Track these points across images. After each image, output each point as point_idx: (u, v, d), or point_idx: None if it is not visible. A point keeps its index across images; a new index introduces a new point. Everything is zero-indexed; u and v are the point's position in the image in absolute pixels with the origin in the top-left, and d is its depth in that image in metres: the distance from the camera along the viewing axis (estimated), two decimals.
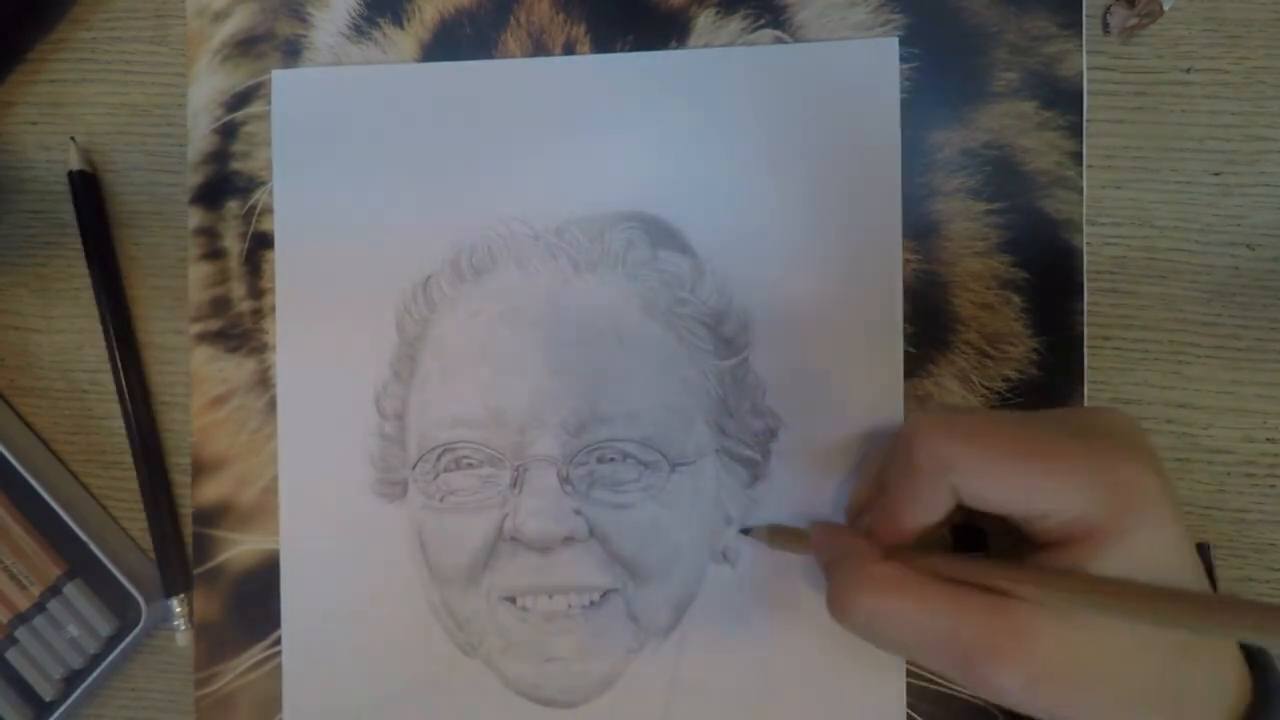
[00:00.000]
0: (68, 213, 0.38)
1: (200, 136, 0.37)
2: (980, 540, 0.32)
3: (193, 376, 0.37)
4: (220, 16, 0.37)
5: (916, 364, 0.34)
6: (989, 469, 0.26)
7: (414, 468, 0.35)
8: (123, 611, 0.37)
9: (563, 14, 0.35)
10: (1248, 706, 0.26)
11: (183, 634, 0.37)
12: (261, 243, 0.37)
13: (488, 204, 0.35)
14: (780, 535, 0.33)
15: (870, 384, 0.34)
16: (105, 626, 0.37)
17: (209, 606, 0.37)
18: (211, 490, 0.37)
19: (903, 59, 0.34)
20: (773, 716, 0.34)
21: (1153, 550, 0.25)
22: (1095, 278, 0.34)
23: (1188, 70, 0.34)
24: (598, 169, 0.35)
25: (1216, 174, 0.34)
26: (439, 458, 0.35)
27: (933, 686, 0.34)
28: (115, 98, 0.38)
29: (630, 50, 0.35)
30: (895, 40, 0.34)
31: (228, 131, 0.37)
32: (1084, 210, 0.33)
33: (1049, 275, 0.33)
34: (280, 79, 0.36)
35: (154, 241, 0.38)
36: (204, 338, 0.37)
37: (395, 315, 0.36)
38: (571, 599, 0.35)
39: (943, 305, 0.34)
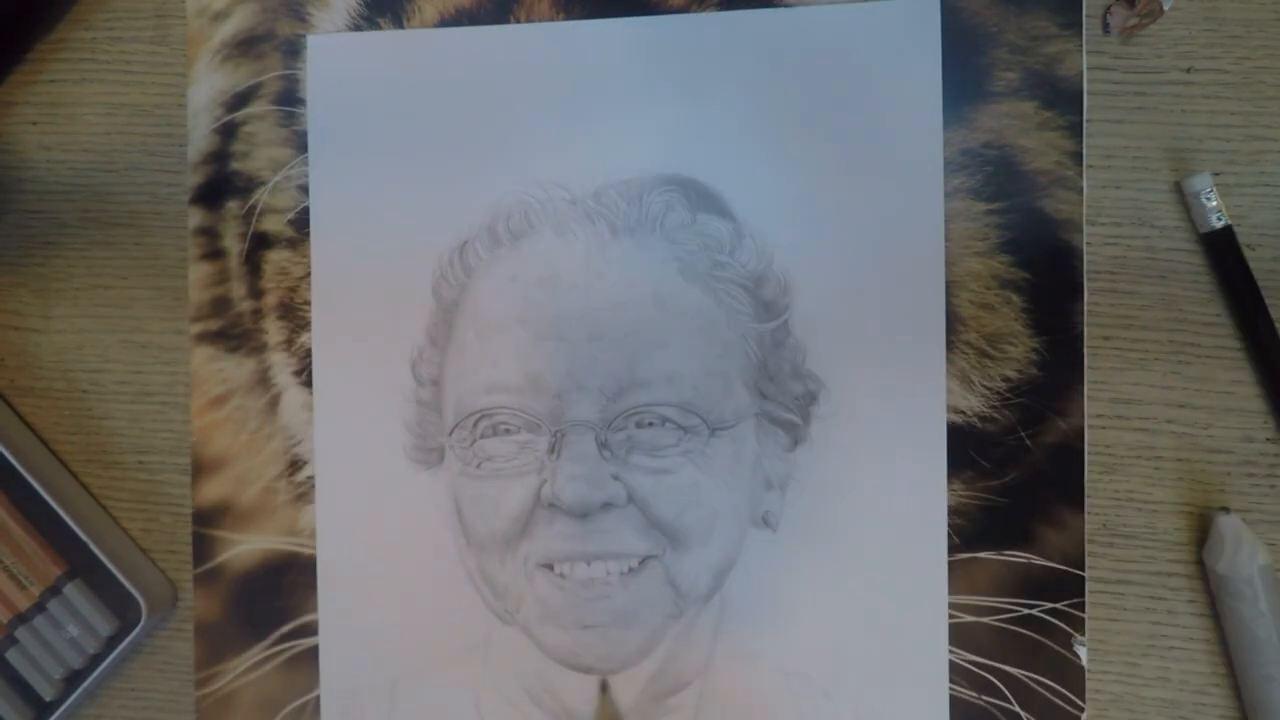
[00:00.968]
0: (68, 213, 0.38)
1: (200, 136, 0.37)
2: None
3: (193, 376, 0.37)
4: (220, 16, 0.37)
5: None
6: None
7: (450, 434, 0.35)
8: (123, 611, 0.37)
9: (563, 13, 0.35)
10: None
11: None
12: (261, 243, 0.37)
13: (525, 169, 0.35)
14: None
15: (911, 346, 0.34)
16: (105, 626, 0.37)
17: (209, 606, 0.37)
18: (211, 490, 0.37)
19: None
20: (813, 683, 0.34)
21: None
22: (1095, 278, 0.34)
23: (1188, 70, 0.34)
24: (635, 133, 0.35)
25: (1216, 174, 0.34)
26: (476, 424, 0.35)
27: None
28: (115, 98, 0.38)
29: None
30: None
31: (228, 131, 0.37)
32: (1084, 210, 0.33)
33: (1049, 275, 0.33)
34: (315, 44, 0.36)
35: (154, 241, 0.38)
36: (204, 338, 0.37)
37: (431, 281, 0.36)
38: (610, 566, 0.34)
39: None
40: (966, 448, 0.34)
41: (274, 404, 0.37)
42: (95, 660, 0.37)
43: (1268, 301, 0.33)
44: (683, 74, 0.35)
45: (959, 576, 0.34)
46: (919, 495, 0.33)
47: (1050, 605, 0.33)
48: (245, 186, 0.37)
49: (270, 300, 0.37)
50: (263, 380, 0.37)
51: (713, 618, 0.34)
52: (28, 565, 0.37)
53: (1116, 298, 0.34)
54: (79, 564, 0.37)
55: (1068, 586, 0.33)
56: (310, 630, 0.36)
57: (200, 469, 0.37)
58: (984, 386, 0.34)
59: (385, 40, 0.36)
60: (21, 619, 0.37)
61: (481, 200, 0.35)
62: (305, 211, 0.36)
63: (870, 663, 0.34)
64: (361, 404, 0.36)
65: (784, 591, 0.34)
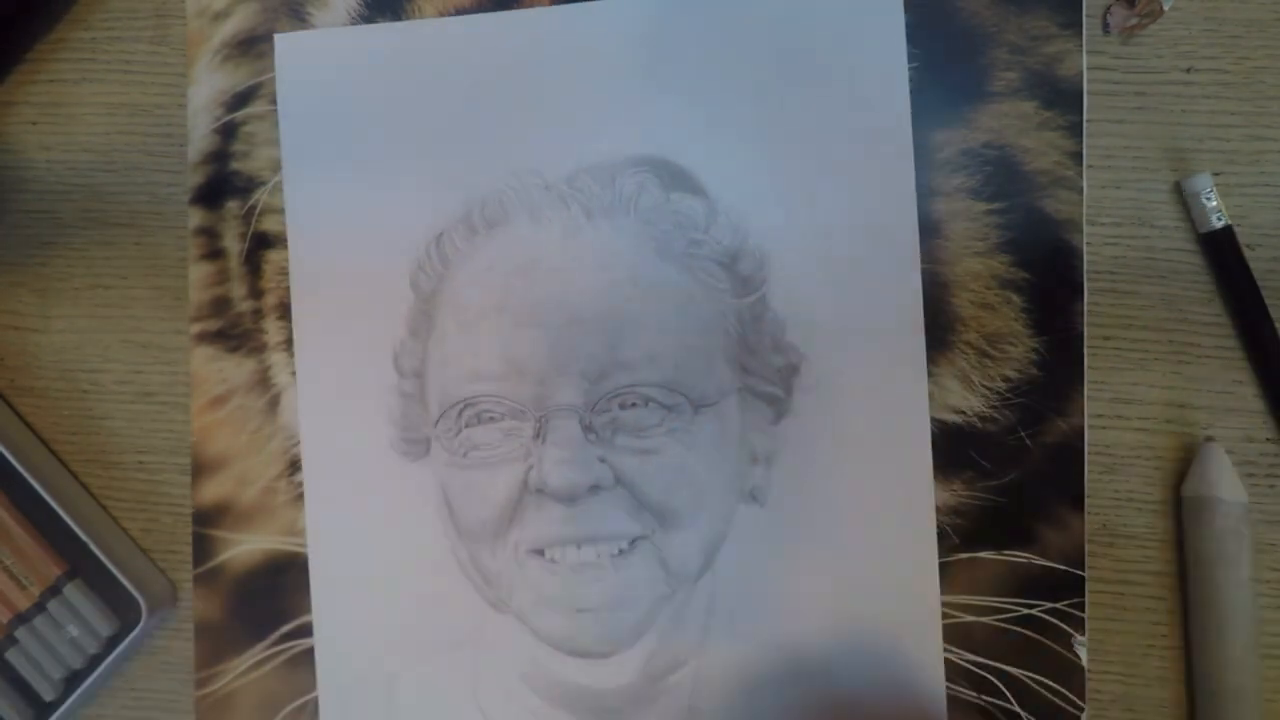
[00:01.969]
0: (68, 213, 0.38)
1: (200, 136, 0.37)
2: None
3: (193, 376, 0.37)
4: (220, 16, 0.37)
5: None
6: None
7: (436, 425, 0.35)
8: (123, 611, 0.37)
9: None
10: None
11: None
12: (261, 243, 0.37)
13: (497, 157, 0.35)
14: None
15: (890, 312, 0.34)
16: (105, 627, 0.37)
17: (209, 606, 0.37)
18: (211, 490, 0.37)
19: None
20: (807, 656, 0.34)
21: None
22: (1095, 278, 0.34)
23: (1188, 70, 0.34)
24: (606, 116, 0.35)
25: (1217, 174, 0.34)
26: (460, 413, 0.35)
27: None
28: (115, 98, 0.38)
29: None
30: None
31: (228, 131, 0.37)
32: (1084, 210, 0.33)
33: (1049, 275, 0.33)
34: (283, 42, 0.36)
35: (154, 241, 0.38)
36: (204, 338, 0.37)
37: (409, 273, 0.36)
38: (600, 548, 0.34)
39: (943, 305, 0.34)
40: (966, 448, 0.34)
41: (274, 404, 0.37)
42: (95, 660, 0.37)
43: (1268, 301, 0.33)
44: (650, 55, 0.35)
45: (959, 576, 0.34)
46: (905, 462, 0.33)
47: (1050, 605, 0.33)
48: (245, 186, 0.37)
49: (270, 300, 0.37)
50: (263, 380, 0.37)
51: (705, 596, 0.34)
52: (28, 565, 0.37)
53: (1116, 298, 0.34)
54: (79, 564, 0.37)
55: (1068, 586, 0.33)
56: (310, 630, 0.36)
57: (200, 469, 0.37)
58: (984, 386, 0.34)
59: (353, 35, 0.36)
60: (21, 619, 0.37)
61: (456, 190, 0.35)
62: None
63: (863, 633, 0.34)
64: (346, 399, 0.36)
65: (775, 566, 0.34)
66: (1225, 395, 0.34)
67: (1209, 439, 0.33)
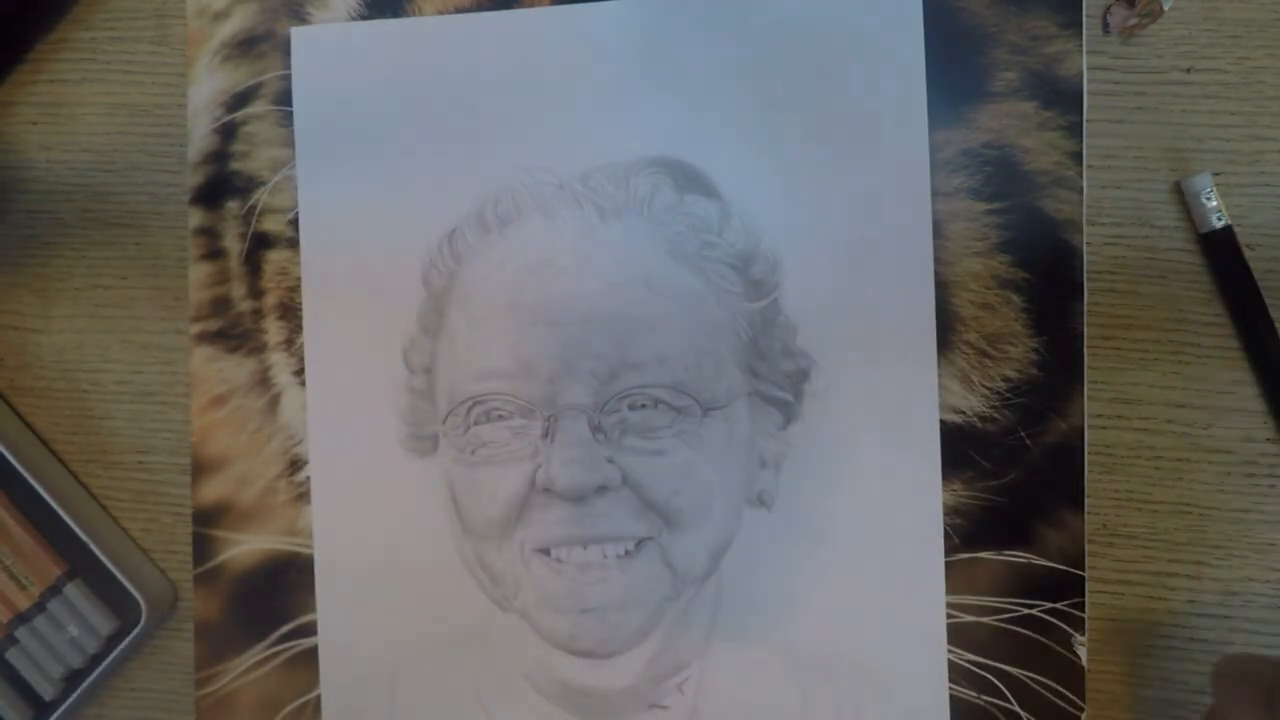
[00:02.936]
0: (68, 213, 0.38)
1: (200, 136, 0.37)
2: None
3: (193, 376, 0.37)
4: (220, 16, 0.37)
5: None
6: None
7: (444, 421, 0.35)
8: (123, 611, 0.37)
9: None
10: None
11: None
12: (261, 243, 0.37)
13: (511, 154, 0.35)
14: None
15: (902, 320, 0.34)
16: (105, 626, 0.37)
17: (209, 606, 0.37)
18: (211, 490, 0.37)
19: None
20: (811, 661, 0.34)
21: None
22: (1095, 278, 0.34)
23: (1188, 70, 0.34)
24: (621, 116, 0.35)
25: (1217, 174, 0.34)
26: (469, 410, 0.35)
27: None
28: (115, 98, 0.38)
29: None
30: None
31: (228, 131, 0.37)
32: (1084, 210, 0.33)
33: (1049, 275, 0.33)
34: (299, 36, 0.36)
35: (154, 241, 0.38)
36: (204, 338, 0.37)
37: (421, 269, 0.36)
38: (606, 549, 0.34)
39: (943, 305, 0.34)
40: (966, 447, 0.34)
41: (274, 404, 0.37)
42: (95, 660, 0.37)
43: (1268, 301, 0.33)
44: (667, 55, 0.35)
45: (959, 576, 0.34)
46: (912, 469, 0.33)
47: (1050, 605, 0.33)
48: (245, 186, 0.37)
49: (270, 300, 0.37)
50: (263, 380, 0.37)
51: (710, 598, 0.34)
52: (28, 565, 0.37)
53: (1116, 298, 0.34)
54: (79, 564, 0.37)
55: (1068, 586, 0.33)
56: (310, 630, 0.36)
57: (200, 469, 0.37)
58: (984, 386, 0.34)
59: (369, 31, 0.36)
60: (21, 619, 0.37)
61: (469, 187, 0.35)
62: None
63: (868, 639, 0.34)
64: (355, 394, 0.36)
65: (780, 570, 0.34)
66: (1225, 395, 0.34)
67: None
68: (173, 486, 0.38)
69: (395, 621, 0.36)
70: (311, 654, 0.36)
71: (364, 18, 0.36)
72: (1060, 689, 0.33)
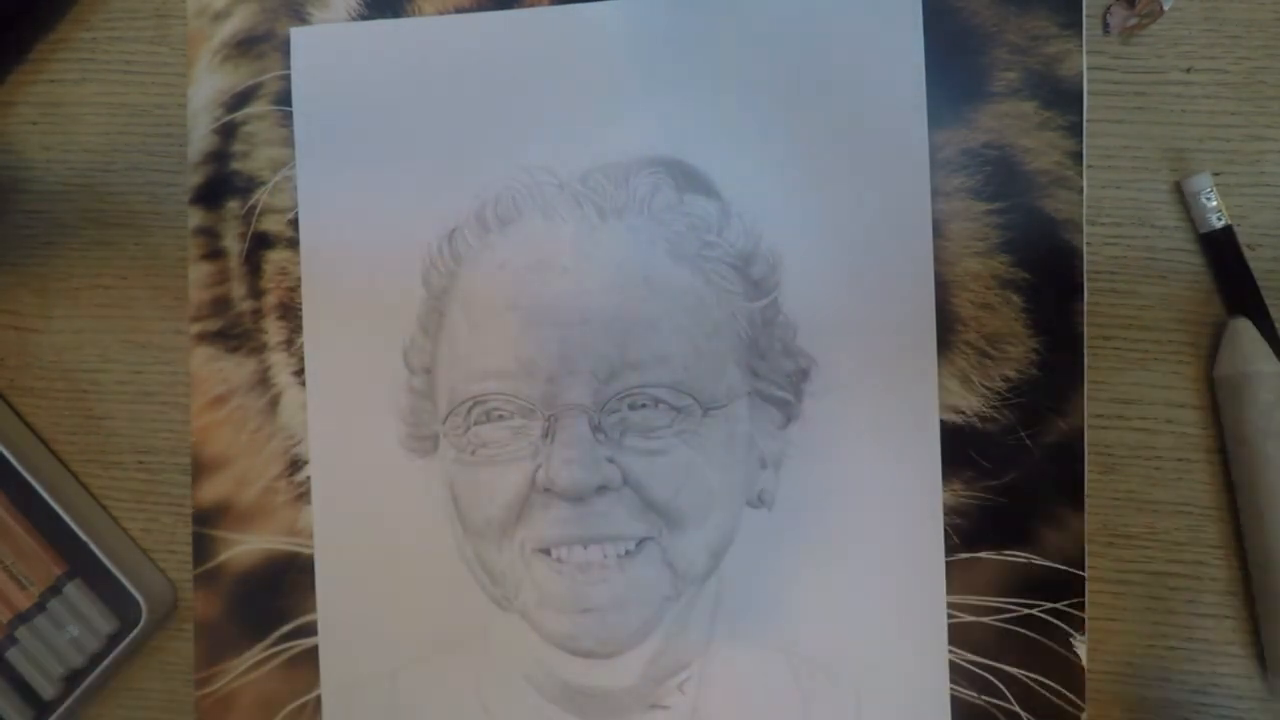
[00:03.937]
0: (68, 213, 0.38)
1: (200, 136, 0.37)
2: None
3: (193, 376, 0.37)
4: (220, 16, 0.37)
5: None
6: None
7: (444, 421, 0.35)
8: (123, 611, 0.37)
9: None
10: None
11: None
12: (261, 243, 0.37)
13: (511, 154, 0.35)
14: None
15: (902, 320, 0.34)
16: (105, 626, 0.37)
17: (209, 606, 0.37)
18: (211, 490, 0.37)
19: None
20: (811, 661, 0.34)
21: None
22: (1095, 278, 0.34)
23: (1188, 70, 0.34)
24: (621, 115, 0.35)
25: (1216, 174, 0.34)
26: (469, 410, 0.35)
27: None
28: (115, 98, 0.38)
29: None
30: None
31: (228, 131, 0.37)
32: (1084, 210, 0.33)
33: (1049, 275, 0.33)
34: (299, 36, 0.36)
35: (154, 241, 0.38)
36: (204, 338, 0.37)
37: (421, 270, 0.36)
38: (607, 549, 0.34)
39: (943, 305, 0.34)
40: (966, 447, 0.34)
41: (274, 404, 0.37)
42: (95, 660, 0.37)
43: (1268, 302, 0.33)
44: (667, 55, 0.35)
45: (959, 576, 0.34)
46: (913, 469, 0.33)
47: (1050, 605, 0.33)
48: (245, 186, 0.37)
49: (270, 300, 0.37)
50: (263, 380, 0.37)
51: (710, 598, 0.34)
52: (28, 565, 0.37)
53: (1116, 298, 0.34)
54: (79, 564, 0.37)
55: (1068, 586, 0.33)
56: (310, 630, 0.36)
57: (200, 469, 0.37)
58: (984, 386, 0.34)
59: (369, 31, 0.36)
60: (21, 619, 0.37)
61: (468, 187, 0.35)
62: None
63: (868, 639, 0.34)
64: (355, 394, 0.36)
65: (780, 570, 0.34)
66: None
67: (1232, 315, 0.33)
68: (173, 486, 0.38)
69: (395, 621, 0.36)
70: (311, 654, 0.36)
71: (364, 18, 0.36)
72: (1060, 689, 0.33)
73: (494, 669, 0.35)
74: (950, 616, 0.34)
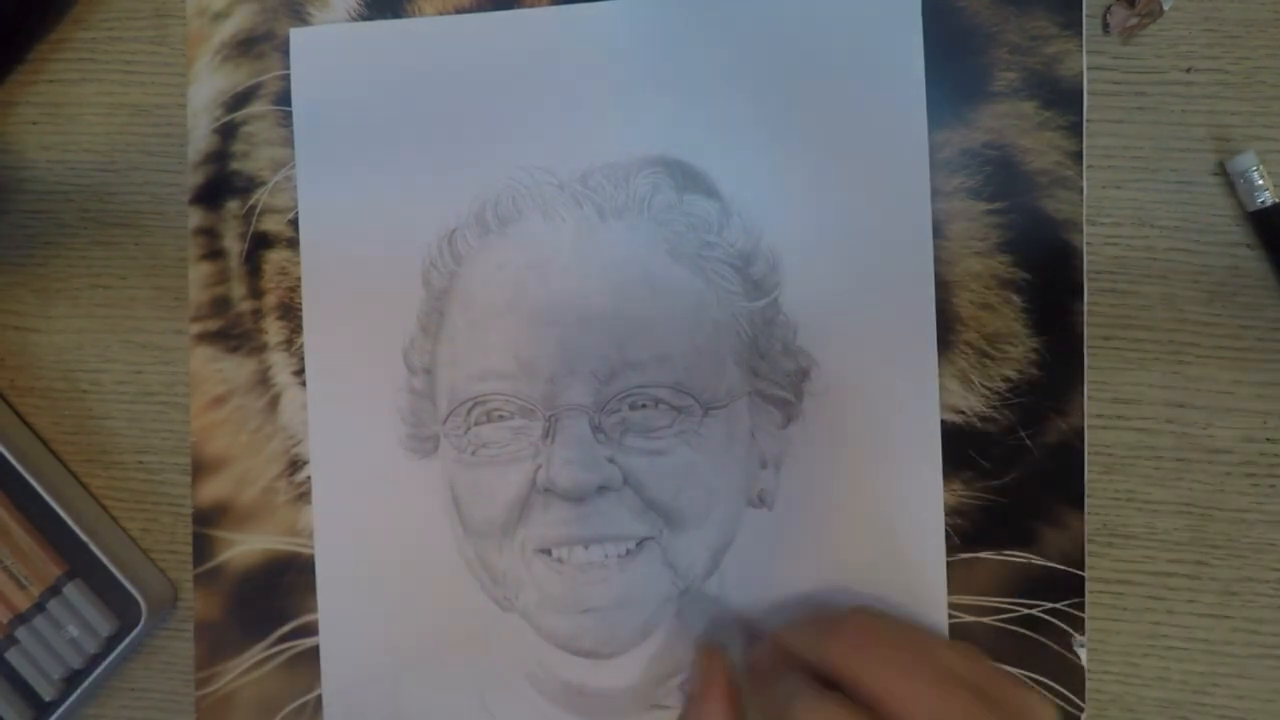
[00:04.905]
0: (68, 212, 0.38)
1: (200, 136, 0.37)
2: None
3: (193, 376, 0.37)
4: (220, 16, 0.37)
5: None
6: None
7: (445, 422, 0.35)
8: (123, 611, 0.37)
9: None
10: None
11: None
12: (261, 243, 0.37)
13: (511, 154, 0.35)
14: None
15: (902, 320, 0.34)
16: (105, 626, 0.37)
17: (209, 606, 0.37)
18: (211, 490, 0.37)
19: None
20: None
21: None
22: (1095, 278, 0.34)
23: (1188, 70, 0.34)
24: (621, 116, 0.35)
25: (1216, 174, 0.34)
26: (470, 411, 0.35)
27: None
28: (115, 98, 0.38)
29: None
30: None
31: (228, 131, 0.37)
32: (1084, 210, 0.33)
33: (1049, 275, 0.33)
34: (299, 36, 0.36)
35: (154, 241, 0.38)
36: (204, 338, 0.37)
37: (421, 270, 0.36)
38: (607, 549, 0.34)
39: (943, 305, 0.34)
40: (966, 448, 0.34)
41: (274, 404, 0.37)
42: (95, 660, 0.37)
43: (1266, 301, 0.33)
44: (667, 55, 0.35)
45: (959, 576, 0.34)
46: (914, 468, 0.33)
47: (1050, 605, 0.33)
48: (245, 186, 0.37)
49: (270, 300, 0.37)
50: (263, 380, 0.37)
51: (710, 598, 0.34)
52: (28, 565, 0.37)
53: (1116, 298, 0.34)
54: (79, 564, 0.37)
55: (1068, 586, 0.33)
56: (310, 630, 0.36)
57: (200, 469, 0.37)
58: (984, 386, 0.34)
59: (369, 31, 0.36)
60: (21, 619, 0.37)
61: (468, 188, 0.35)
62: None
63: None
64: (355, 394, 0.36)
65: (781, 570, 0.34)
66: (1225, 395, 0.34)
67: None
68: (173, 486, 0.38)
69: (396, 622, 0.36)
70: (311, 654, 0.36)
71: (364, 18, 0.36)
72: (1060, 689, 0.33)
73: (495, 669, 0.35)
74: (950, 616, 0.34)
